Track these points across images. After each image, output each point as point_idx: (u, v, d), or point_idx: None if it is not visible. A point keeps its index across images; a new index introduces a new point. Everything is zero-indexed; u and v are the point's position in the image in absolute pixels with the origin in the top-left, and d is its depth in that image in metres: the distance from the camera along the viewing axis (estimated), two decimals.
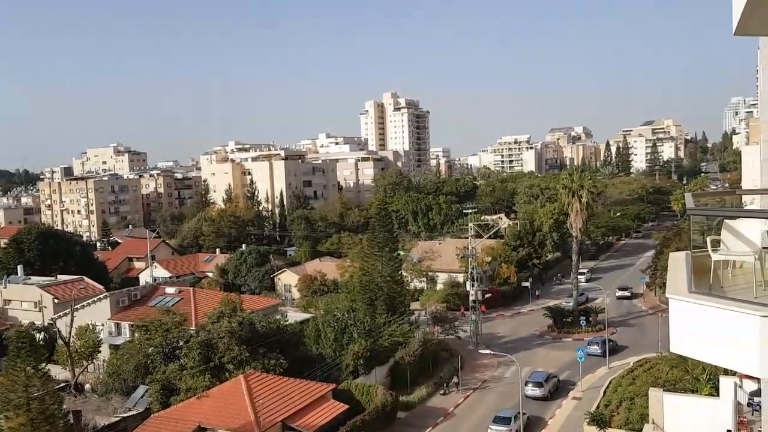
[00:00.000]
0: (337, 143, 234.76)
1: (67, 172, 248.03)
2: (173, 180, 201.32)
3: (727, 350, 9.00)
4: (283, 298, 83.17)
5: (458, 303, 73.00)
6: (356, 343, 50.09)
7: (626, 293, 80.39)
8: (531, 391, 48.32)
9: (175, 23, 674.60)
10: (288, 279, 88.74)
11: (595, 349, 58.10)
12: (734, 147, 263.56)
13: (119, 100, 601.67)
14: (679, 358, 41.06)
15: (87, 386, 51.59)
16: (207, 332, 46.96)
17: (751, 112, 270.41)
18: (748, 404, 27.45)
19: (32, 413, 34.28)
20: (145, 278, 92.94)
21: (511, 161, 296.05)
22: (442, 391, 51.77)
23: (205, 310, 56.00)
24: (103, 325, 59.34)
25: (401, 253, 73.06)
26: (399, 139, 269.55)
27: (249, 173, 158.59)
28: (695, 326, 9.39)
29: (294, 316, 63.08)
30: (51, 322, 61.14)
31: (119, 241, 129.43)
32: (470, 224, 68.07)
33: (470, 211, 74.88)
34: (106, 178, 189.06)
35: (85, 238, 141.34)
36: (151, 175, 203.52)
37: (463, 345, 61.57)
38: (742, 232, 10.60)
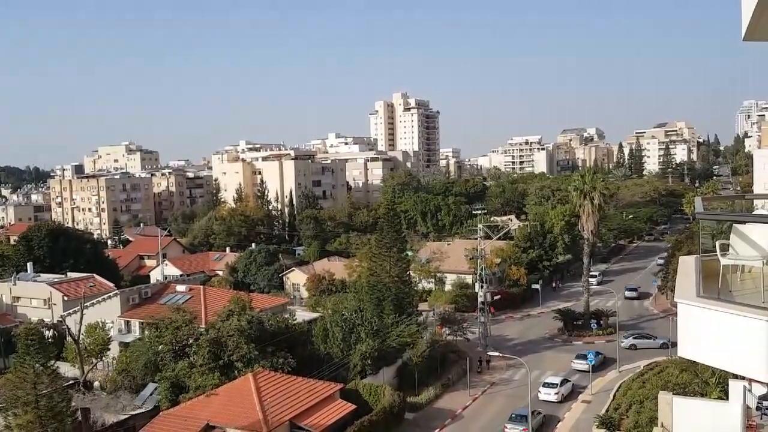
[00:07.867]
0: (346, 143, 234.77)
1: (78, 170, 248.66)
2: (185, 179, 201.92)
3: (735, 355, 8.96)
4: (292, 297, 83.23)
5: (467, 304, 72.83)
6: (364, 343, 50.04)
7: (634, 294, 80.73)
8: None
9: (186, 22, 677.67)
10: (297, 278, 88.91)
11: (582, 364, 54.55)
12: (746, 150, 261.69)
13: (131, 98, 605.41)
14: (689, 362, 40.78)
15: (96, 384, 51.81)
16: (216, 330, 47.06)
17: (764, 115, 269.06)
18: (757, 408, 27.14)
19: (40, 410, 34.50)
20: (155, 276, 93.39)
21: (521, 162, 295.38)
22: (478, 369, 53.40)
23: (215, 308, 56.02)
24: (113, 322, 59.51)
25: (409, 253, 73.05)
26: (408, 139, 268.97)
27: (259, 173, 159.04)
28: (703, 331, 9.34)
29: (302, 315, 63.09)
30: (60, 319, 61.19)
31: (130, 239, 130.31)
32: (479, 225, 67.84)
33: (479, 212, 74.73)
34: (117, 177, 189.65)
35: (96, 236, 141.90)
36: (162, 174, 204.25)
37: (472, 347, 61.47)
38: (752, 237, 10.53)
